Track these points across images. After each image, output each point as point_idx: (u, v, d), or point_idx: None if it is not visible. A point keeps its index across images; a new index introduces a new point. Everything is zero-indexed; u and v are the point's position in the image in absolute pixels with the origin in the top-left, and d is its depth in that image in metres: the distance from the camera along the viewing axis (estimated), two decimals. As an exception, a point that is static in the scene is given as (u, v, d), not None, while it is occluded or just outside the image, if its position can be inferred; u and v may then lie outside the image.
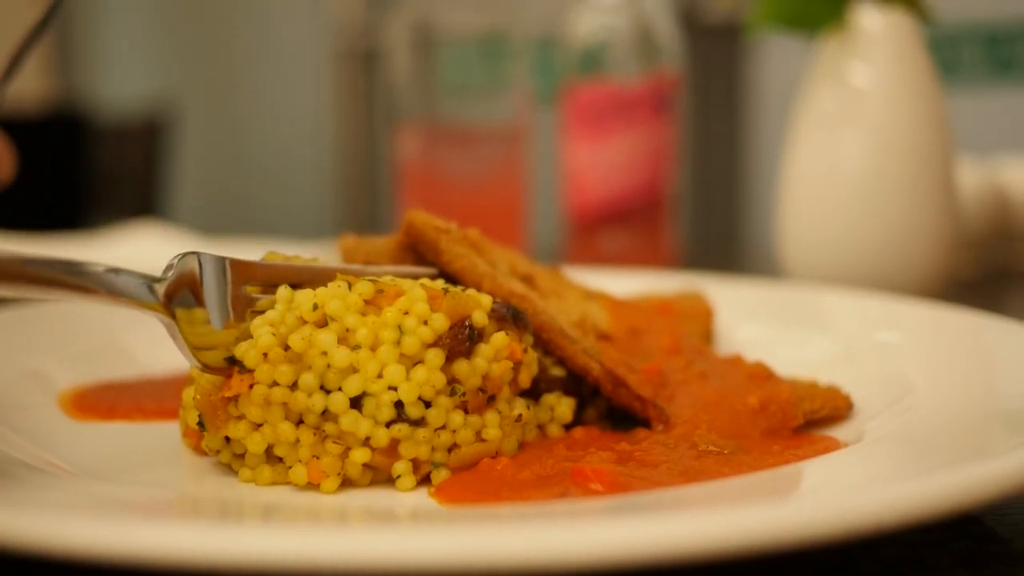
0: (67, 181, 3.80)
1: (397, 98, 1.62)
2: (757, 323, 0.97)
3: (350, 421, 0.63)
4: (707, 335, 0.91)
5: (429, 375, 0.64)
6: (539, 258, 1.64)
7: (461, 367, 0.65)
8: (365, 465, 0.64)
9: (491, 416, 0.66)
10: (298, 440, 0.64)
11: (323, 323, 0.64)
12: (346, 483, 0.64)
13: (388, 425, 0.64)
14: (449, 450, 0.65)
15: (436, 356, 0.64)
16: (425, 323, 0.64)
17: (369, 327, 0.64)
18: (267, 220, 4.29)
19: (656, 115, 1.54)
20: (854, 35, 1.22)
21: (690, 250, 1.76)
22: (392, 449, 0.64)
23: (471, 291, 0.69)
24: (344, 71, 4.12)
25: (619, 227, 1.54)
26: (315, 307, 0.64)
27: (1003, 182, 1.56)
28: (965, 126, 1.53)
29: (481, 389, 0.65)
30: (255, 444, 0.64)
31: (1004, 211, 1.56)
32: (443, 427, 0.65)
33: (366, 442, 0.63)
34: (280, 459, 0.65)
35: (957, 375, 0.77)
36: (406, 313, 0.65)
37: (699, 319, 0.91)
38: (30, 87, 4.66)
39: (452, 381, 0.65)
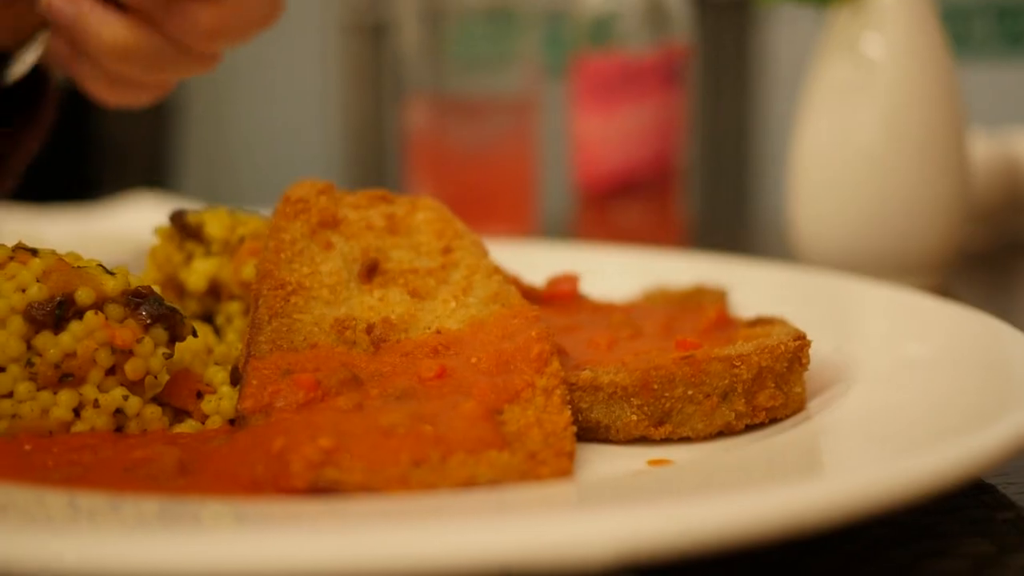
0: (75, 153, 3.80)
1: (405, 71, 1.61)
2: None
3: None
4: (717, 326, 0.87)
5: (7, 340, 0.64)
6: (548, 231, 1.64)
7: (43, 339, 0.65)
8: None
9: (66, 396, 0.66)
10: None
11: None
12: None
13: None
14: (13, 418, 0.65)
15: (17, 323, 0.64)
16: (23, 291, 0.65)
17: None
18: (274, 193, 4.28)
19: (666, 86, 1.53)
20: (867, 6, 1.21)
21: (699, 222, 1.75)
22: None
23: (98, 271, 0.68)
24: (351, 44, 4.10)
25: (629, 199, 1.54)
26: None
27: (1015, 154, 1.55)
28: (977, 99, 1.52)
29: (57, 365, 0.65)
30: None
31: (1016, 183, 1.55)
32: (9, 395, 0.65)
33: None
34: None
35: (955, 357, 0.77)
36: (13, 278, 0.65)
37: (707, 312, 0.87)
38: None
39: (35, 352, 0.65)
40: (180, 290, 0.81)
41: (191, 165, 4.31)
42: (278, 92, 4.49)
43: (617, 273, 1.04)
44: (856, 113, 1.21)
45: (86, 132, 3.83)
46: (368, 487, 0.56)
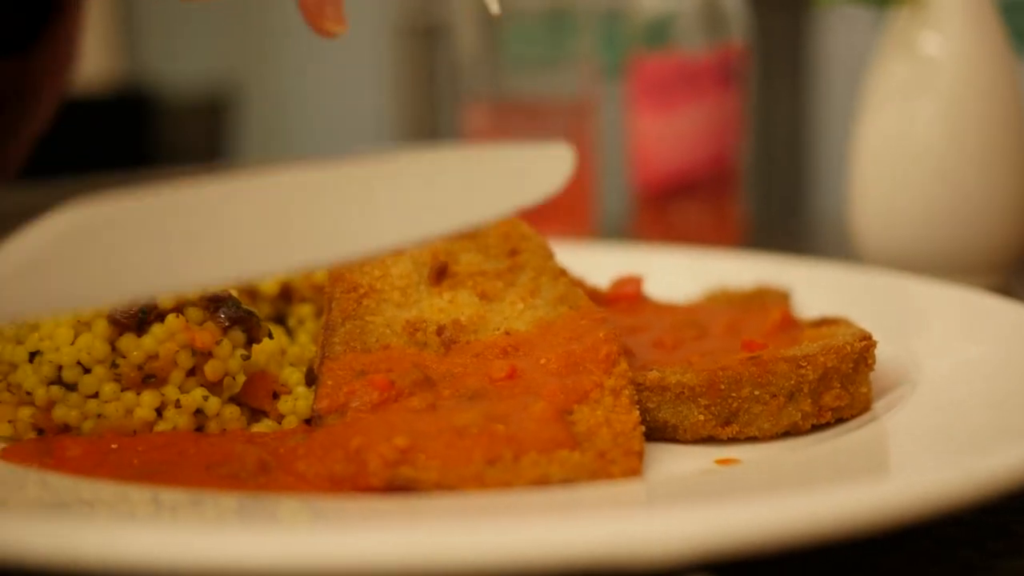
0: (133, 158, 3.87)
1: (462, 74, 1.62)
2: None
3: (21, 374, 0.67)
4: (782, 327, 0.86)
5: (92, 342, 0.66)
6: (606, 232, 1.64)
7: (127, 341, 0.67)
8: (33, 424, 0.67)
9: (149, 396, 0.67)
10: None
11: None
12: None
13: (50, 385, 0.67)
14: (99, 418, 0.67)
15: (102, 326, 0.67)
16: None
17: None
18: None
19: (723, 87, 1.53)
20: (926, 4, 1.20)
21: (756, 222, 1.75)
22: (49, 409, 0.67)
23: None
24: (405, 47, 4.13)
25: (687, 199, 1.54)
26: None
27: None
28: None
29: (140, 367, 0.67)
30: None
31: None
32: (95, 395, 0.67)
33: (31, 398, 0.67)
34: None
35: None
36: None
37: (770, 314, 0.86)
38: (97, 67, 4.73)
39: (119, 354, 0.67)
40: (253, 294, 0.83)
41: (247, 167, 4.35)
42: (333, 95, 4.53)
43: (677, 274, 1.04)
44: (917, 112, 1.20)
45: (145, 132, 3.89)
46: (443, 485, 0.57)
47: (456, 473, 0.57)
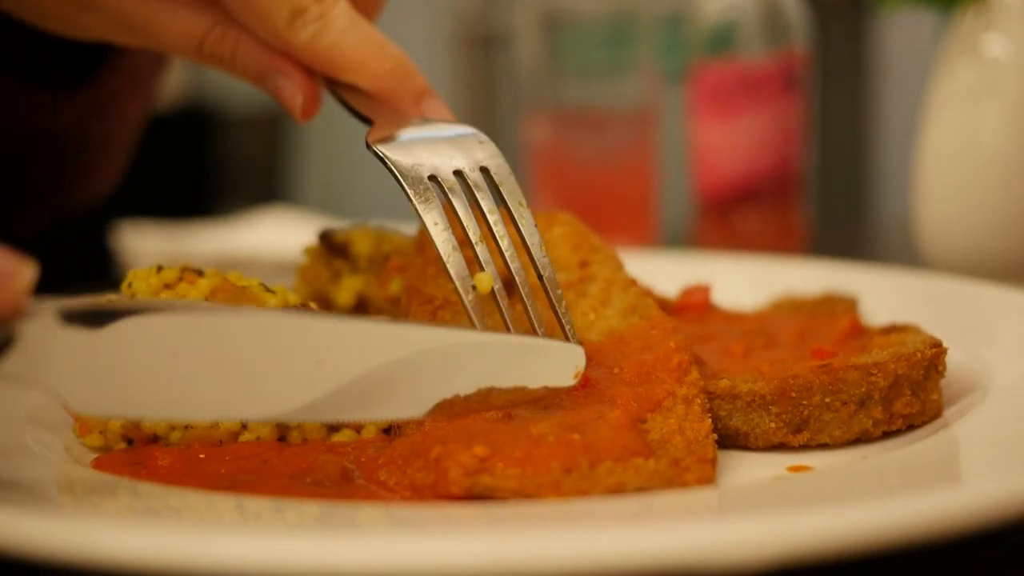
0: (198, 171, 3.93)
1: (524, 83, 1.64)
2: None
3: None
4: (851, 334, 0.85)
5: None
6: (669, 240, 1.65)
7: None
8: (123, 435, 0.69)
9: None
10: None
11: (131, 297, 0.71)
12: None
13: None
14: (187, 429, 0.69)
15: None
16: None
17: None
18: (387, 206, 4.35)
19: (785, 93, 1.53)
20: (991, 6, 1.20)
21: (819, 229, 1.74)
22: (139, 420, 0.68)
23: (259, 290, 0.72)
24: (463, 56, 4.15)
25: (750, 207, 1.54)
26: (129, 284, 0.71)
27: None
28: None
29: None
30: None
31: None
32: None
33: None
34: None
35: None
36: (183, 297, 0.69)
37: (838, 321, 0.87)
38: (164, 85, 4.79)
39: None
40: (328, 306, 0.85)
41: (307, 179, 4.40)
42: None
43: (743, 282, 1.05)
44: (983, 116, 1.20)
45: (205, 149, 3.95)
46: (522, 493, 0.58)
47: (534, 481, 0.58)
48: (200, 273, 0.71)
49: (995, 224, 1.19)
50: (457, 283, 0.69)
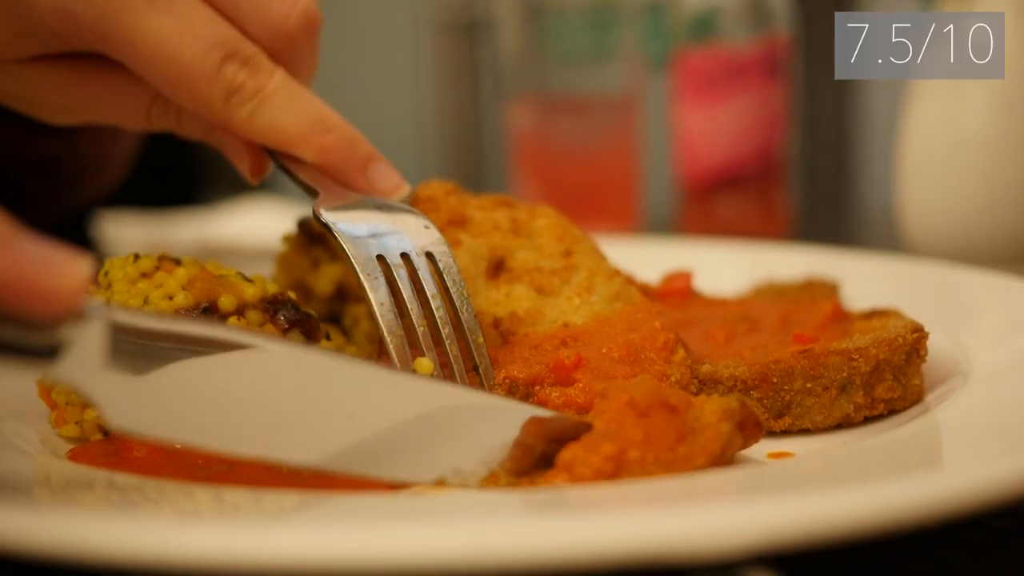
0: (179, 160, 3.91)
1: (507, 70, 1.63)
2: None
3: None
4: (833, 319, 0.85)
5: None
6: (652, 226, 1.65)
7: None
8: (99, 426, 0.69)
9: None
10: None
11: (107, 286, 0.71)
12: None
13: None
14: None
15: None
16: (170, 298, 0.68)
17: (123, 294, 0.69)
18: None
19: (768, 79, 1.53)
20: (973, -8, 1.19)
21: (802, 214, 1.75)
22: None
23: (238, 279, 0.71)
24: (446, 43, 4.13)
25: (733, 193, 1.54)
26: (105, 273, 0.71)
27: None
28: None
29: None
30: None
31: None
32: None
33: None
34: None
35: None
36: (160, 286, 0.69)
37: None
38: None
39: None
40: (307, 294, 0.84)
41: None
42: (373, 93, 4.54)
43: (726, 267, 1.05)
44: (965, 102, 1.19)
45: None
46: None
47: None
48: (178, 262, 0.71)
49: (976, 209, 1.19)
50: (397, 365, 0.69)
